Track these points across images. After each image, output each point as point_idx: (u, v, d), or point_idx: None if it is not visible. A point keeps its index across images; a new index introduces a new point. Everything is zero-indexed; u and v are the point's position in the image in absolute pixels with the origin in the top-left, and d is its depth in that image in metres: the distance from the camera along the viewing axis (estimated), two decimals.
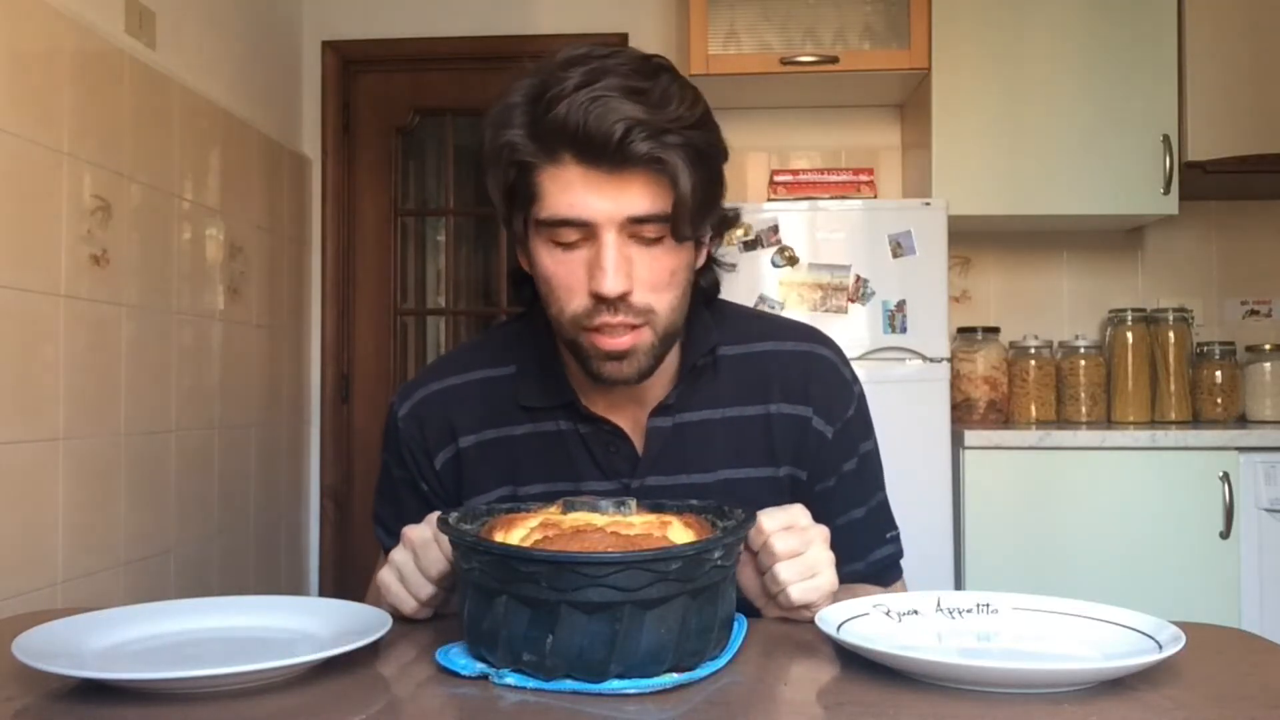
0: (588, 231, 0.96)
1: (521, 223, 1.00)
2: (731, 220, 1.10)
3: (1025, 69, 2.84)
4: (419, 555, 0.93)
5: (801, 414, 1.11)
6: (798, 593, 0.92)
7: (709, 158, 0.99)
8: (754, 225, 2.65)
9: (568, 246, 0.97)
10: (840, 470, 1.13)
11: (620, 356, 1.00)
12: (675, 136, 0.94)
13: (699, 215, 0.99)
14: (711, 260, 1.11)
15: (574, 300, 0.98)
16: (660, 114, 0.94)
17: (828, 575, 0.93)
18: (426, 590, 0.93)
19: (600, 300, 0.97)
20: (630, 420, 1.10)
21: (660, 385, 1.09)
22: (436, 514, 0.91)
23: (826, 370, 1.14)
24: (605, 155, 0.93)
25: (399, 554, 0.94)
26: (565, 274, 0.98)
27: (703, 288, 1.10)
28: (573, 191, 0.95)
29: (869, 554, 1.14)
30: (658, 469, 1.09)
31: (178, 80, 2.50)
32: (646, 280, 0.98)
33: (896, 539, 1.17)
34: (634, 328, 0.99)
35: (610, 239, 0.95)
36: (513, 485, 1.10)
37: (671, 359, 1.08)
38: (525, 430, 1.11)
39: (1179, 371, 2.93)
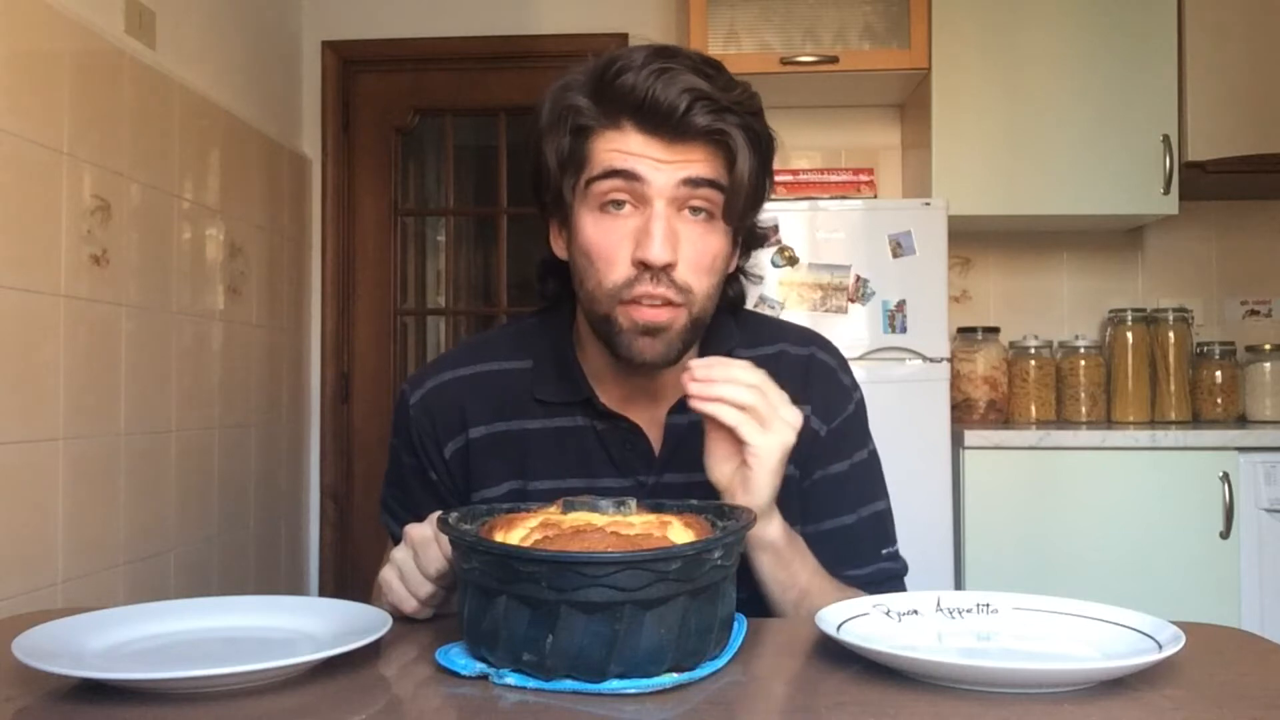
0: (638, 195, 0.98)
1: (570, 191, 1.01)
2: (761, 238, 1.13)
3: (1025, 69, 2.84)
4: (419, 554, 0.92)
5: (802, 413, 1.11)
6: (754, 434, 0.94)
7: (765, 147, 1.02)
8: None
9: (616, 210, 0.99)
10: (828, 470, 1.13)
11: (654, 331, 1.00)
12: (736, 116, 0.97)
13: (750, 201, 1.01)
14: (740, 271, 1.12)
15: (615, 270, 0.99)
16: (725, 93, 0.97)
17: (788, 411, 0.95)
18: (426, 589, 0.93)
19: (644, 268, 0.98)
20: (647, 417, 1.10)
21: (679, 382, 1.08)
22: (438, 514, 0.91)
23: (826, 374, 1.15)
24: (668, 124, 0.96)
25: (399, 552, 0.94)
26: (610, 244, 0.99)
27: (729, 297, 1.11)
28: (629, 149, 0.98)
29: (860, 566, 1.12)
30: (673, 466, 1.09)
31: (178, 80, 2.50)
32: (690, 258, 0.99)
33: (895, 556, 1.15)
34: (672, 305, 1.00)
35: (660, 207, 0.98)
36: (521, 480, 1.10)
37: (691, 356, 1.08)
38: (539, 425, 1.10)
39: (1179, 371, 2.93)
